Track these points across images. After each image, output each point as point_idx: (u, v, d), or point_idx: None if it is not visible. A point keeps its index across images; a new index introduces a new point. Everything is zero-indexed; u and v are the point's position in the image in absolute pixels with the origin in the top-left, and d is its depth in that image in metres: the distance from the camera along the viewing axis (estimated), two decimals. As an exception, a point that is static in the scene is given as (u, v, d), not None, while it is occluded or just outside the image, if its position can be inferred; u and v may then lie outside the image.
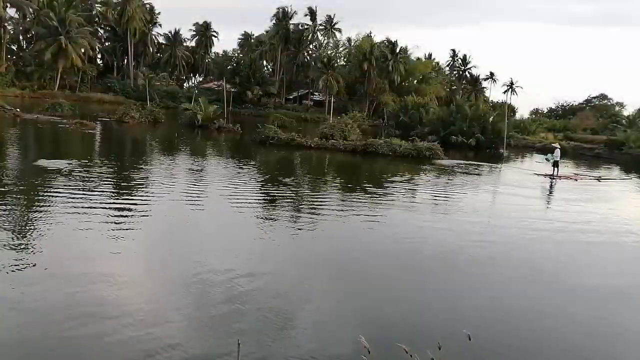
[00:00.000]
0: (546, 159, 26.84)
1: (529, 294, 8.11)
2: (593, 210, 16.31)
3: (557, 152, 25.11)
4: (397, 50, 74.16)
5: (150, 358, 5.26)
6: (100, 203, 11.71)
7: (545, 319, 7.10)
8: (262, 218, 12.10)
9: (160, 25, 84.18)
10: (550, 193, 20.80)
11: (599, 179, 25.83)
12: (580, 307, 7.76)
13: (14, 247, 8.15)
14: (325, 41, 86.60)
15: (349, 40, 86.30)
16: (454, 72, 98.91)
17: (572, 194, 19.97)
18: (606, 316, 7.46)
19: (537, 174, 25.30)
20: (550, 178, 24.05)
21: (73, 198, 11.94)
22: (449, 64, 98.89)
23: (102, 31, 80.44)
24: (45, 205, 11.12)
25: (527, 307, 7.53)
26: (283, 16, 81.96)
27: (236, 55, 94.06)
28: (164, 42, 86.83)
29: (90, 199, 11.97)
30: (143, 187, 14.45)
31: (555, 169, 24.75)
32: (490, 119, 42.98)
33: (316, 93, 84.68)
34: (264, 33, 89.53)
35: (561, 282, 8.83)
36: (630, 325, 7.20)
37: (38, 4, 63.26)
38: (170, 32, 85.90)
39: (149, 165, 19.68)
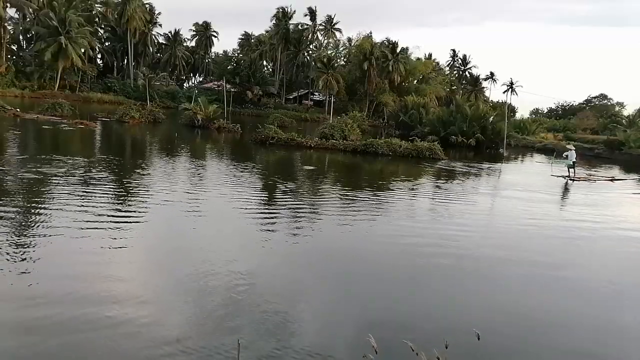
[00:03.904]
0: (566, 163, 25.34)
1: (533, 294, 8.08)
2: (605, 213, 16.27)
3: (572, 154, 24.91)
4: (398, 50, 74.17)
5: (150, 358, 5.26)
6: (99, 203, 11.70)
7: (550, 318, 7.09)
8: (261, 218, 12.07)
9: (160, 25, 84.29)
10: (564, 195, 20.64)
11: (612, 179, 25.88)
12: (589, 308, 7.74)
13: (11, 248, 8.14)
14: (325, 41, 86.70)
15: (349, 40, 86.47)
16: (454, 72, 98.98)
17: (585, 196, 19.88)
18: (614, 317, 7.45)
19: (554, 176, 25.24)
20: (570, 180, 23.98)
21: (72, 198, 11.93)
22: (449, 64, 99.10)
23: (102, 31, 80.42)
24: (44, 206, 11.12)
25: (536, 308, 7.49)
26: (283, 16, 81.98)
27: (236, 55, 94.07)
28: (164, 42, 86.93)
29: (89, 199, 11.96)
30: (142, 188, 14.43)
31: (571, 170, 24.60)
32: (490, 119, 43.00)
33: (316, 93, 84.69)
34: (264, 33, 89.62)
35: (568, 283, 8.81)
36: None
37: (38, 4, 63.25)
38: (170, 32, 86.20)
39: (148, 165, 19.68)
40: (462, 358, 5.47)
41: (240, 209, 12.71)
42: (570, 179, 24.05)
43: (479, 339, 3.98)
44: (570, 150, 25.12)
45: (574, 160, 24.68)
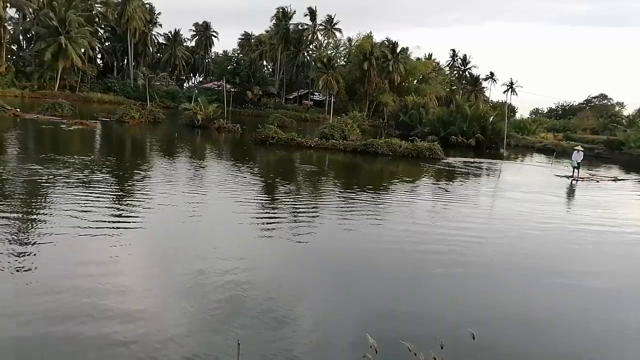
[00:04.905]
0: (577, 163, 24.81)
1: (533, 294, 8.09)
2: (608, 214, 16.25)
3: (580, 154, 24.84)
4: (398, 50, 74.15)
5: (150, 358, 5.25)
6: (99, 204, 11.70)
7: (550, 319, 7.09)
8: (261, 219, 12.08)
9: (160, 25, 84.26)
10: (569, 196, 20.59)
11: (615, 179, 25.98)
12: (584, 307, 7.75)
13: (10, 250, 8.14)
14: (326, 41, 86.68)
15: (349, 40, 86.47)
16: (454, 72, 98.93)
17: (589, 197, 19.82)
18: (611, 316, 7.44)
19: (558, 176, 25.29)
20: (573, 180, 24.02)
21: (71, 200, 11.93)
22: (449, 64, 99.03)
23: (102, 31, 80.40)
24: (43, 209, 11.12)
25: (532, 307, 7.51)
26: (283, 16, 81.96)
27: (236, 55, 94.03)
28: (164, 42, 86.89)
29: (89, 202, 11.95)
30: (142, 188, 14.44)
31: (576, 170, 24.61)
32: (490, 119, 43.02)
33: (316, 93, 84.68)
34: (264, 33, 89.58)
35: (565, 282, 8.81)
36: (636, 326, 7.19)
37: (38, 4, 63.22)
38: (170, 32, 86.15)
39: (148, 166, 19.69)
40: (463, 358, 5.47)
41: (240, 209, 12.70)
42: (574, 179, 24.08)
43: (474, 338, 4.00)
44: (579, 151, 25.13)
45: (579, 161, 24.70)
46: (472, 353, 5.69)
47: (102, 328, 5.75)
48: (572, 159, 24.90)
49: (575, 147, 26.95)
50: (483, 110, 45.10)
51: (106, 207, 11.44)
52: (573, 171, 24.69)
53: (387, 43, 74.50)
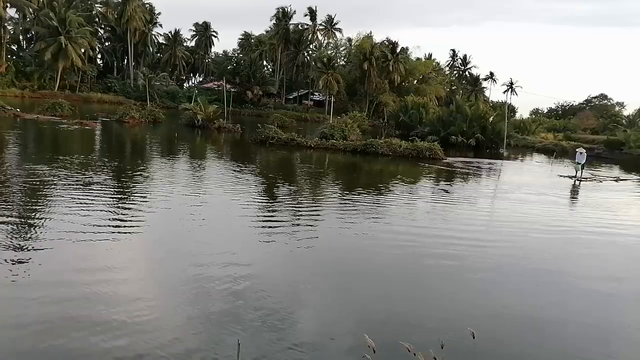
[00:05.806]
0: (580, 165, 24.83)
1: (533, 294, 8.09)
2: (612, 214, 16.23)
3: (583, 155, 24.90)
4: (398, 50, 74.14)
5: (150, 358, 5.26)
6: (98, 206, 11.69)
7: (550, 319, 7.09)
8: (261, 220, 12.08)
9: (160, 25, 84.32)
10: (574, 195, 20.59)
11: (617, 179, 26.07)
12: (584, 308, 7.74)
13: (8, 254, 8.13)
14: (326, 41, 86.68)
15: (349, 40, 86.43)
16: (454, 72, 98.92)
17: (593, 198, 19.79)
18: (612, 317, 7.45)
19: (561, 176, 25.35)
20: (577, 180, 24.07)
21: (71, 199, 11.93)
22: (449, 64, 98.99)
23: (102, 31, 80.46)
24: (41, 211, 11.11)
25: (532, 307, 7.50)
26: (283, 16, 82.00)
27: (236, 55, 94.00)
28: (164, 42, 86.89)
29: (88, 203, 11.94)
30: (142, 190, 14.43)
31: (579, 171, 24.66)
32: (490, 119, 43.01)
33: (316, 93, 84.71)
34: (264, 33, 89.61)
35: (566, 283, 8.81)
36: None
37: (38, 4, 63.27)
38: (170, 32, 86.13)
39: (148, 166, 19.68)
40: (464, 358, 5.47)
41: (240, 210, 12.70)
42: (577, 180, 24.11)
43: (474, 337, 4.01)
44: (581, 152, 25.15)
45: (582, 162, 24.73)
46: (472, 353, 5.69)
47: (102, 329, 5.75)
48: (576, 160, 24.95)
49: (577, 149, 27.02)
50: (483, 110, 45.06)
51: (106, 209, 11.43)
52: (576, 172, 24.74)
53: (387, 43, 74.46)
